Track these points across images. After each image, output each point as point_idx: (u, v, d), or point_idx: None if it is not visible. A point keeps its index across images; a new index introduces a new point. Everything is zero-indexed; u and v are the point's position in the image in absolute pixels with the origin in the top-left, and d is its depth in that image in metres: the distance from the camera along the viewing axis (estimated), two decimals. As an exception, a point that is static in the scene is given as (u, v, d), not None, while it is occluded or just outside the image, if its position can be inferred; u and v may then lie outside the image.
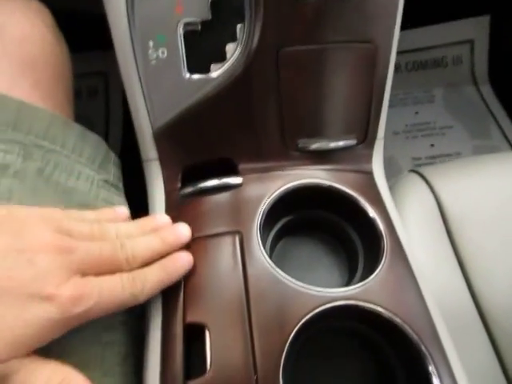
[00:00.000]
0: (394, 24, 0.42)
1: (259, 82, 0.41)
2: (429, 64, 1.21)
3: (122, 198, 0.45)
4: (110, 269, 0.31)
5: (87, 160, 0.42)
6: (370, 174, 0.45)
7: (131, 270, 0.32)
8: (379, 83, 0.43)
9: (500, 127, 1.14)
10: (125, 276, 0.31)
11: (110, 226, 0.34)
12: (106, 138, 1.10)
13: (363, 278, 0.37)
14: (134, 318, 0.39)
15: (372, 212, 0.40)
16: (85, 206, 0.39)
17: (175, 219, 0.41)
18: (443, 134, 1.12)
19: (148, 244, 0.34)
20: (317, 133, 0.44)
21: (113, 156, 0.46)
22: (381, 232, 0.39)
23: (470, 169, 0.57)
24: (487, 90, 1.20)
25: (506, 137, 1.12)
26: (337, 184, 0.42)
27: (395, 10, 0.41)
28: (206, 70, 0.42)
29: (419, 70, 1.21)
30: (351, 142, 0.44)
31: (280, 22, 0.39)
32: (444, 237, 0.51)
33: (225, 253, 0.37)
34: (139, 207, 0.45)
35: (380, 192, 0.43)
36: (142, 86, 0.42)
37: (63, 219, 0.31)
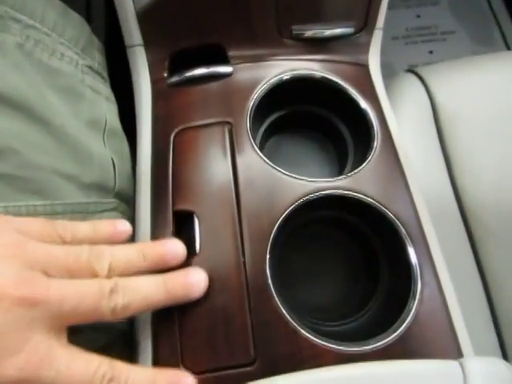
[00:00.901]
0: None
1: None
2: (437, -41, 1.11)
3: (107, 88, 0.43)
4: (90, 319, 0.24)
5: (69, 41, 0.39)
6: (365, 67, 0.43)
7: (115, 320, 0.25)
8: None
9: (503, 34, 1.09)
10: (102, 370, 0.23)
11: (105, 251, 0.26)
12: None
13: (353, 170, 0.37)
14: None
15: (364, 103, 0.39)
16: (70, 89, 0.37)
17: (163, 108, 0.40)
18: (444, 39, 1.07)
19: (148, 293, 0.26)
20: (313, 18, 0.41)
21: (96, 41, 0.43)
22: (372, 123, 0.38)
23: (467, 68, 0.56)
24: (495, -7, 1.13)
25: (507, 45, 1.08)
26: (330, 75, 0.40)
27: None
28: None
29: (426, -33, 1.12)
30: (349, 29, 0.41)
31: None
32: (434, 135, 0.51)
33: (214, 143, 0.37)
34: (125, 99, 0.43)
35: (374, 85, 0.41)
36: None
37: (43, 239, 0.25)
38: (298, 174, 0.36)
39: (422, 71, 0.55)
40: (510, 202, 0.50)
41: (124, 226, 0.30)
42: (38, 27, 0.35)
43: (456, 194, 0.50)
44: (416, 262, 0.33)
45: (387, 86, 0.55)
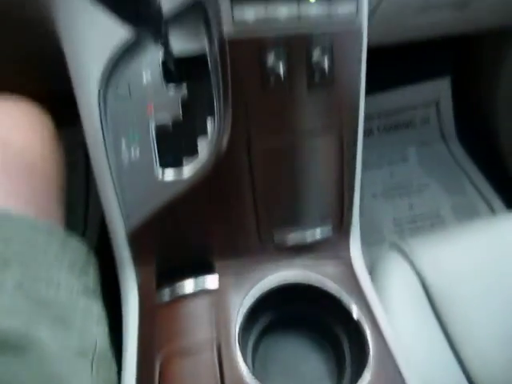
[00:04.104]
0: (358, 111, 0.43)
1: (232, 179, 0.41)
2: (399, 125, 1.26)
3: (99, 307, 0.43)
4: None
5: (68, 267, 0.40)
6: (348, 263, 0.44)
7: None
8: (349, 170, 0.44)
9: (473, 183, 1.17)
10: None
11: None
12: (85, 212, 1.09)
13: (352, 382, 0.35)
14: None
15: (356, 312, 0.39)
16: (62, 320, 0.37)
17: (149, 327, 0.39)
18: (420, 192, 1.14)
19: None
20: (292, 224, 0.43)
21: (92, 258, 0.45)
22: (365, 336, 0.37)
23: (449, 240, 0.58)
24: (456, 147, 1.25)
25: (480, 192, 1.15)
26: (316, 280, 0.41)
27: (357, 97, 0.42)
28: (179, 164, 0.42)
29: (391, 132, 1.26)
30: (327, 231, 0.44)
31: (248, 114, 0.40)
32: (431, 316, 0.50)
33: (201, 368, 0.35)
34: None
35: (361, 284, 0.42)
36: (115, 187, 0.41)
37: None
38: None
39: (406, 247, 0.56)
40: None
41: None
42: (39, 260, 0.37)
43: (468, 378, 0.47)
44: None
45: (373, 265, 0.56)
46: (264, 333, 0.42)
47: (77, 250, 0.43)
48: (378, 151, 1.22)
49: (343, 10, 0.39)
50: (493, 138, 1.20)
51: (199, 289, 0.40)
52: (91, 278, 0.43)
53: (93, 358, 0.38)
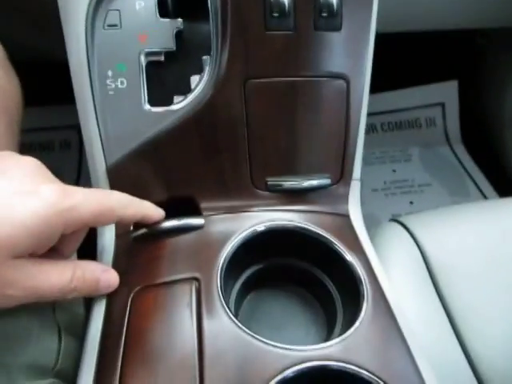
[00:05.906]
0: (365, 60, 0.40)
1: (225, 115, 0.38)
2: (403, 125, 1.24)
3: None
4: None
5: None
6: (346, 217, 0.41)
7: None
8: (353, 120, 0.41)
9: (477, 185, 1.14)
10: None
11: None
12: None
13: (342, 332, 0.31)
14: None
15: (349, 256, 0.35)
16: None
17: (125, 265, 0.36)
18: (422, 191, 1.11)
19: None
20: (288, 170, 0.40)
21: None
22: (360, 278, 0.34)
23: (452, 217, 0.54)
24: (461, 150, 1.22)
25: (483, 194, 1.12)
26: (310, 226, 0.37)
27: (366, 45, 0.40)
28: (169, 102, 0.39)
29: (394, 131, 1.23)
30: (325, 181, 0.40)
31: (248, 54, 0.37)
32: (431, 290, 0.46)
33: (178, 304, 0.31)
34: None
35: (358, 236, 0.39)
36: (96, 117, 0.38)
37: None
38: (281, 338, 0.30)
39: (407, 221, 0.53)
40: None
41: None
42: None
43: (468, 359, 0.43)
44: None
45: (372, 236, 0.53)
46: (249, 286, 0.38)
47: None
48: (381, 148, 1.19)
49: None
50: (498, 142, 1.17)
51: (181, 225, 0.37)
52: None
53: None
